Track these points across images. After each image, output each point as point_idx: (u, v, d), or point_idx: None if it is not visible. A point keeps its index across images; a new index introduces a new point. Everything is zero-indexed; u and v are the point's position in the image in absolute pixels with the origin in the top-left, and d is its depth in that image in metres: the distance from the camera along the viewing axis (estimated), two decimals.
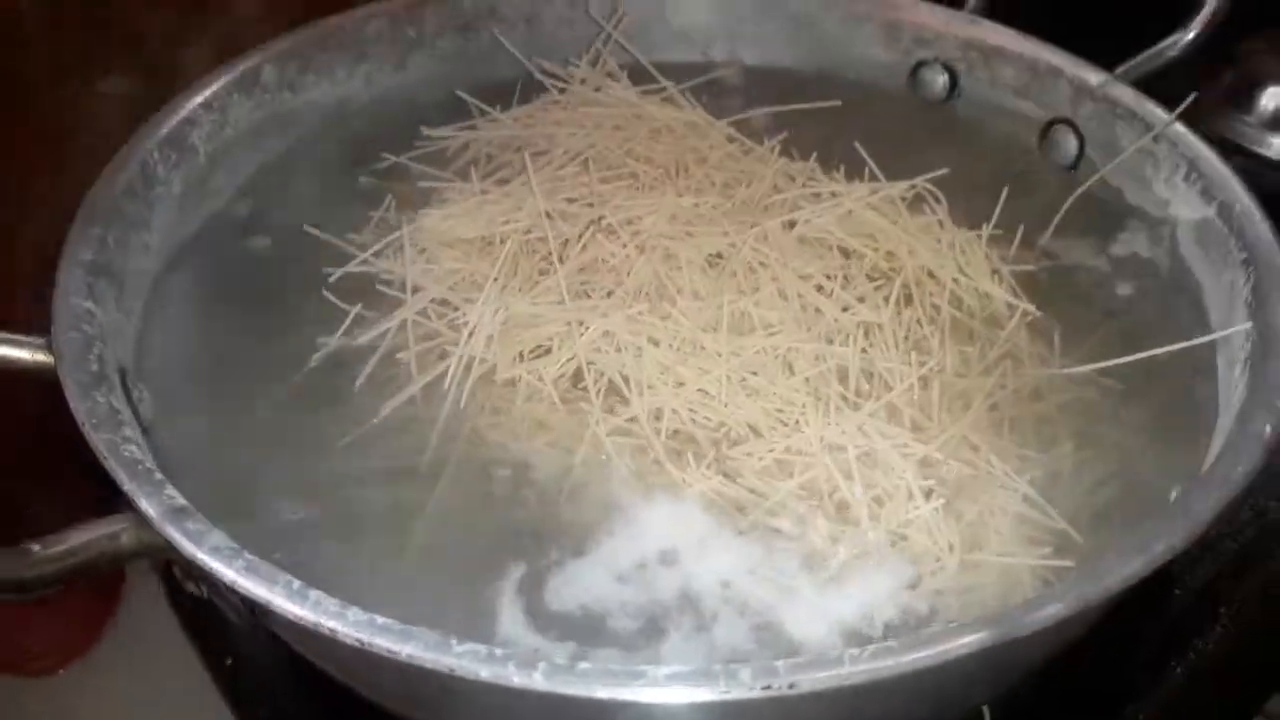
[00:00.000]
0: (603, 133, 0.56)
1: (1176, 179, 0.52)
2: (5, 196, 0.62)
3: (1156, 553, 0.34)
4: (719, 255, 0.49)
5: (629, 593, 0.39)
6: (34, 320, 0.43)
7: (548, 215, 0.50)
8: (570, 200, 0.51)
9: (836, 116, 0.59)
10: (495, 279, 0.48)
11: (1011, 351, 0.48)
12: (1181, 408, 0.46)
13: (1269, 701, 0.61)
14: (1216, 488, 0.36)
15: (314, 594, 0.32)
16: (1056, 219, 0.54)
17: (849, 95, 0.61)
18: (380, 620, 0.31)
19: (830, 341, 0.46)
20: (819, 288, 0.48)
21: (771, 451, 0.42)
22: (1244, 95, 0.74)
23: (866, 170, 0.54)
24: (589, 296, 0.48)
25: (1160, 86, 0.57)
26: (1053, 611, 0.32)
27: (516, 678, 0.30)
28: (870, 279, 0.49)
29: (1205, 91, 0.72)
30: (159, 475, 0.36)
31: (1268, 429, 0.38)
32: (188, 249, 0.52)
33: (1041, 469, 0.43)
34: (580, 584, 0.39)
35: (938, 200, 0.53)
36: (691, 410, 0.44)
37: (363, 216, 0.53)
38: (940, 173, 0.53)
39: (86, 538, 0.34)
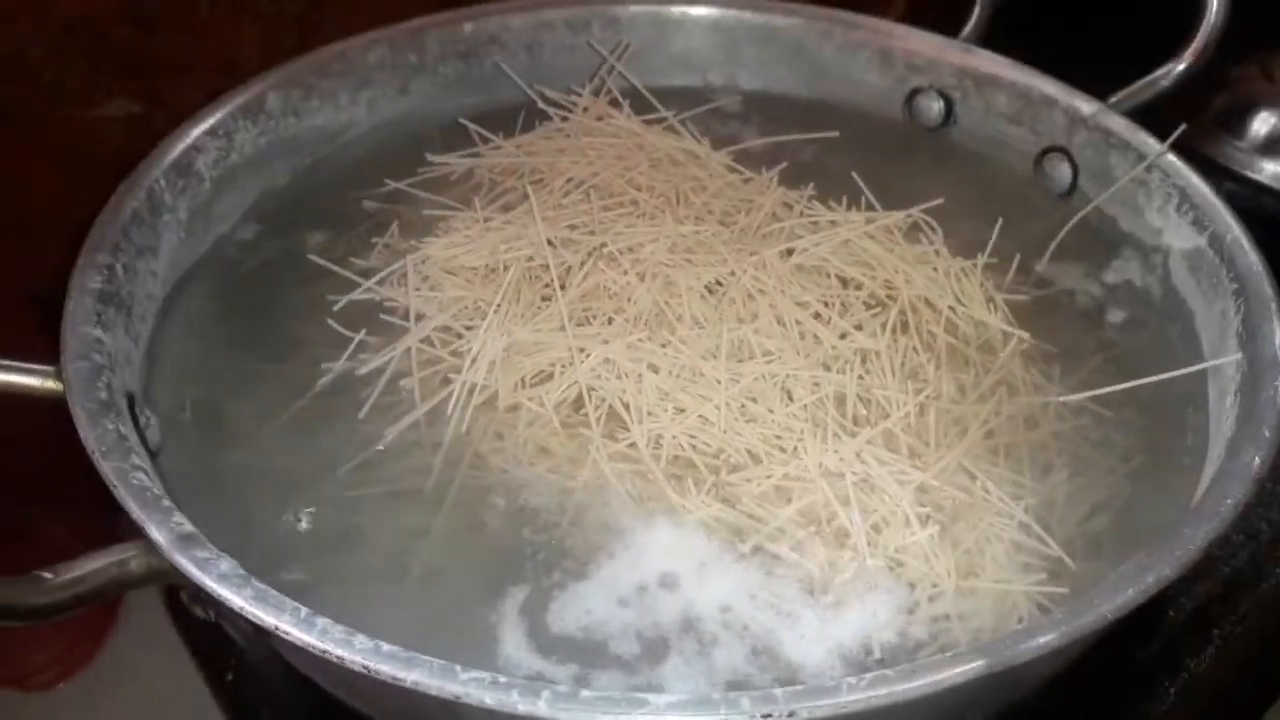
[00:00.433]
0: (605, 161, 0.56)
1: (1169, 208, 0.53)
2: (13, 222, 0.63)
3: (1148, 584, 0.34)
4: (718, 283, 0.50)
5: (630, 616, 0.39)
6: (43, 345, 0.44)
7: (550, 243, 0.51)
8: (572, 228, 0.52)
9: (834, 143, 0.60)
10: (498, 306, 0.48)
11: (1007, 379, 0.49)
12: (1174, 436, 0.47)
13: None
14: (1207, 520, 0.37)
15: (321, 621, 0.32)
16: (1051, 247, 0.55)
17: (846, 121, 0.62)
18: (386, 647, 0.32)
19: (828, 369, 0.47)
20: (817, 315, 0.49)
21: (770, 478, 0.43)
22: (1236, 120, 0.75)
23: (863, 199, 0.55)
24: (590, 323, 0.48)
25: (1155, 111, 0.58)
26: (1046, 640, 0.33)
27: (521, 705, 0.30)
28: (867, 307, 0.50)
29: (1197, 115, 0.73)
30: (167, 502, 0.36)
31: (1257, 461, 0.39)
32: (194, 275, 0.52)
33: (1036, 496, 0.44)
34: (582, 607, 0.39)
35: (933, 229, 0.53)
36: (691, 436, 0.45)
37: (366, 242, 0.54)
38: (936, 202, 0.54)
39: (96, 565, 0.34)
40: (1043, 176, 0.59)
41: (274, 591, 0.34)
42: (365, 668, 0.31)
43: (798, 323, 0.48)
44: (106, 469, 0.37)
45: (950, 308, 0.50)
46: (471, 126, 0.59)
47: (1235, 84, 0.76)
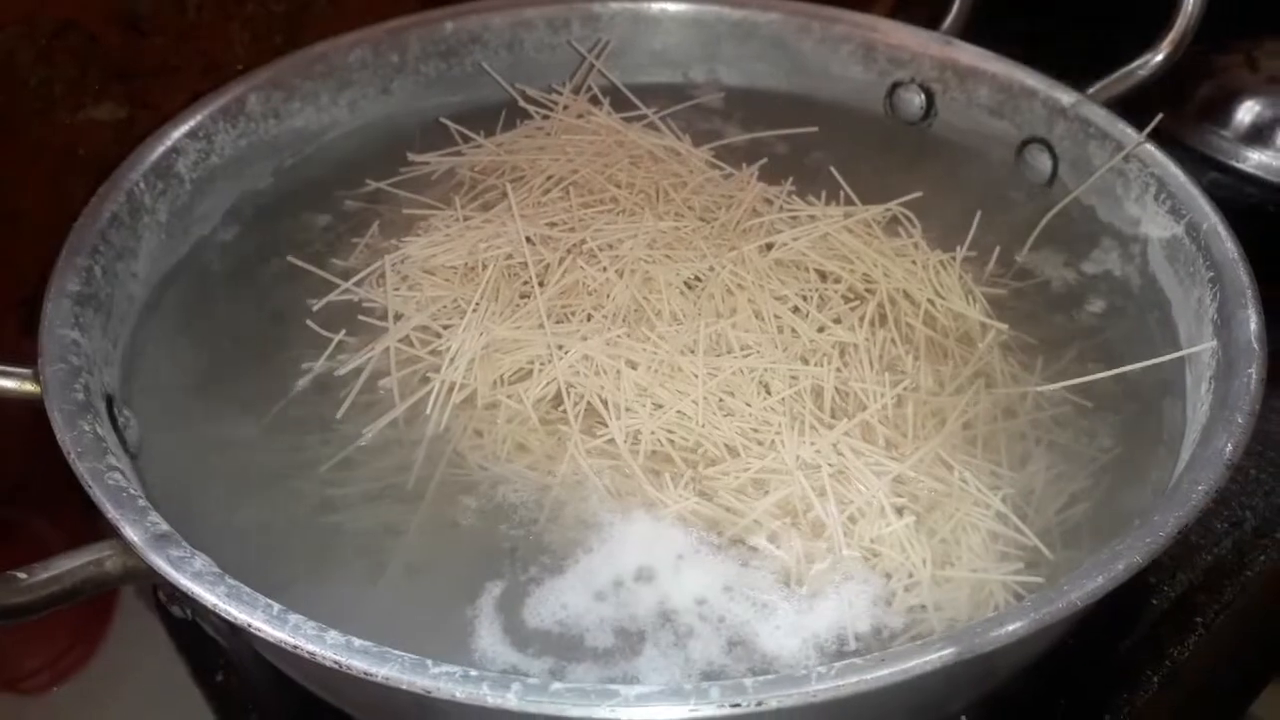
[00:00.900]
0: (585, 159, 0.57)
1: (1146, 197, 0.53)
2: (1, 224, 0.63)
3: (1118, 571, 0.34)
4: (697, 278, 0.50)
5: (606, 610, 0.39)
6: (28, 348, 0.44)
7: (529, 240, 0.51)
8: (552, 225, 0.52)
9: (815, 139, 0.60)
10: (477, 305, 0.48)
11: (985, 370, 0.49)
12: (1151, 424, 0.47)
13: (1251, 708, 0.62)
14: (1178, 506, 0.37)
15: (294, 618, 0.33)
16: (1031, 237, 0.55)
17: (827, 116, 0.62)
18: (358, 643, 0.32)
19: (806, 362, 0.47)
20: (795, 309, 0.49)
21: (747, 470, 0.43)
22: (1219, 109, 0.74)
23: (842, 193, 0.55)
24: (569, 320, 0.48)
25: (1138, 101, 0.58)
26: (1015, 628, 0.33)
27: (491, 698, 0.30)
28: (846, 300, 0.50)
29: (1182, 106, 0.73)
30: (143, 502, 0.37)
31: (1229, 447, 0.39)
32: (175, 276, 0.53)
33: (1014, 486, 0.44)
34: (558, 601, 0.40)
35: (912, 223, 0.54)
36: (669, 431, 0.45)
37: (347, 242, 0.54)
38: (914, 196, 0.54)
39: (72, 564, 0.35)
40: (1023, 167, 0.60)
41: (247, 589, 0.34)
42: (337, 663, 0.31)
43: (776, 317, 0.48)
44: (82, 469, 0.37)
45: (929, 300, 0.51)
46: (452, 125, 0.60)
47: (1219, 73, 0.76)
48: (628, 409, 0.45)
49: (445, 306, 0.50)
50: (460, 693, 0.30)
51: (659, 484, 0.43)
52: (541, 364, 0.47)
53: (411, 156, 0.58)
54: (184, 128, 0.54)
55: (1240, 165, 0.73)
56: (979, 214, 0.54)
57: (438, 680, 0.31)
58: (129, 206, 0.50)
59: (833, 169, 0.55)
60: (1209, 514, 0.55)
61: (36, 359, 0.42)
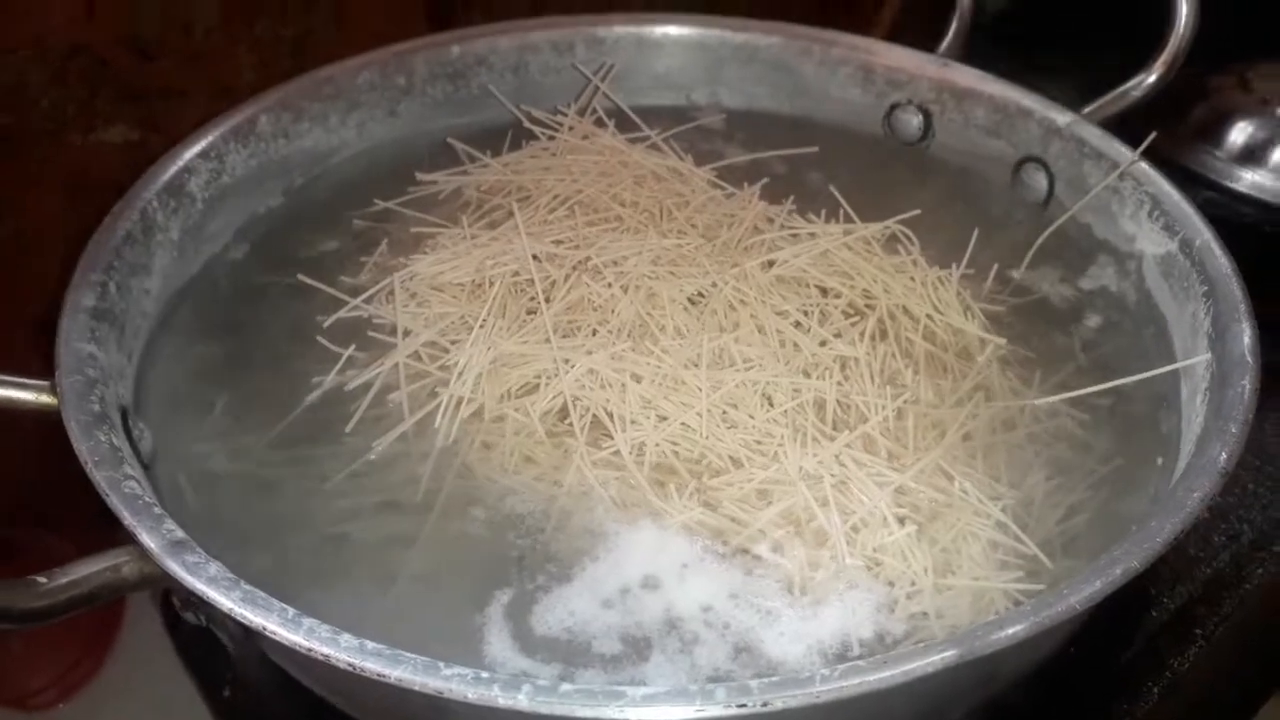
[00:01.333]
0: (589, 178, 0.58)
1: (1141, 215, 0.54)
2: (12, 245, 0.64)
3: (1115, 575, 0.35)
4: (700, 294, 0.51)
5: (613, 617, 0.40)
6: (37, 362, 0.45)
7: (535, 258, 0.52)
8: (557, 243, 0.53)
9: (815, 159, 0.61)
10: (484, 321, 0.49)
11: (984, 383, 0.50)
12: (1148, 436, 0.48)
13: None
14: (1173, 513, 0.37)
15: (308, 621, 0.33)
16: (1029, 255, 0.56)
17: (827, 137, 0.63)
18: (371, 645, 0.33)
19: (808, 375, 0.48)
20: (796, 324, 0.50)
21: (751, 481, 0.44)
22: (1213, 129, 0.75)
23: (842, 211, 0.56)
24: (575, 335, 0.49)
25: (1132, 121, 0.59)
26: (1016, 630, 0.33)
27: (502, 699, 0.31)
28: (846, 315, 0.51)
29: (1176, 126, 0.74)
30: (159, 510, 0.37)
31: (1224, 456, 0.40)
32: (187, 293, 0.54)
33: (1014, 497, 0.45)
34: (566, 609, 0.40)
35: (911, 240, 0.55)
36: (673, 443, 0.46)
37: (356, 260, 0.55)
38: (913, 213, 0.55)
39: (90, 570, 0.35)
40: (1020, 186, 0.61)
41: (262, 593, 0.34)
42: (351, 666, 0.32)
43: (778, 331, 0.49)
44: (99, 478, 0.38)
45: (928, 315, 0.51)
46: (459, 145, 0.61)
47: (1213, 94, 0.77)
48: (633, 421, 0.46)
49: (453, 322, 0.51)
50: (472, 694, 0.31)
51: (664, 494, 0.44)
52: (548, 378, 0.48)
53: (419, 175, 0.59)
54: (196, 147, 0.55)
55: (1234, 185, 0.74)
56: (976, 232, 0.55)
57: (450, 682, 0.31)
58: (142, 224, 0.51)
59: (832, 188, 0.56)
60: (1207, 527, 0.56)
61: (50, 373, 0.43)
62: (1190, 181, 0.72)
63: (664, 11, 0.66)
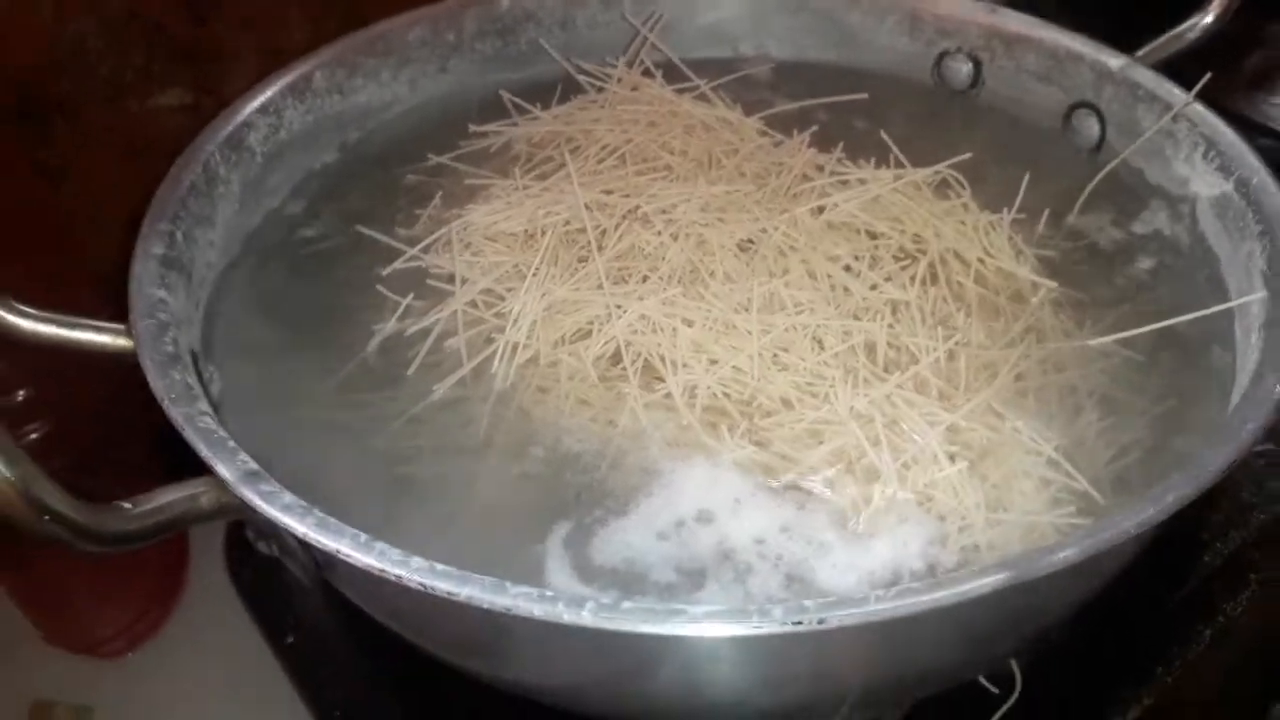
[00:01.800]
0: (638, 129, 0.58)
1: (1195, 157, 0.54)
2: (73, 210, 0.66)
3: (1168, 502, 0.35)
4: (750, 240, 0.51)
5: (669, 548, 0.41)
6: (103, 317, 0.46)
7: (586, 207, 0.53)
8: (608, 192, 0.54)
9: (864, 108, 0.61)
10: (537, 269, 0.50)
11: (1036, 326, 0.50)
12: (1202, 375, 0.47)
13: None
14: (1227, 441, 0.38)
15: (379, 545, 0.35)
16: (1080, 200, 0.56)
17: (876, 87, 0.63)
18: (440, 567, 0.34)
19: (858, 319, 0.48)
20: (847, 268, 0.50)
21: (801, 421, 0.44)
22: (1270, 77, 0.75)
23: (892, 157, 0.56)
24: (626, 282, 0.50)
25: (1188, 69, 0.58)
26: (1068, 554, 0.34)
27: (566, 615, 0.32)
28: (896, 260, 0.51)
29: (1232, 73, 0.74)
30: (232, 444, 0.39)
31: (1278, 387, 0.40)
32: (249, 245, 0.55)
33: (1066, 436, 0.45)
34: (623, 541, 0.41)
35: (962, 185, 0.55)
36: (724, 386, 0.46)
37: (410, 213, 0.56)
38: (964, 157, 0.55)
39: (171, 498, 0.37)
40: (1071, 132, 0.60)
41: (334, 520, 0.36)
42: (422, 585, 0.33)
43: (828, 275, 0.50)
44: (176, 414, 0.39)
45: (979, 259, 0.51)
46: (509, 97, 0.61)
47: (1269, 42, 0.76)
48: (684, 365, 0.47)
49: (507, 271, 0.52)
50: (539, 610, 0.32)
51: (716, 435, 0.45)
52: (600, 324, 0.48)
53: (472, 127, 0.60)
54: (254, 103, 0.56)
55: None
56: (1027, 177, 0.55)
57: (516, 600, 0.32)
58: (205, 176, 0.52)
59: (883, 133, 0.57)
60: (1263, 473, 0.56)
61: (124, 319, 0.45)
62: (1245, 128, 0.71)
63: None
